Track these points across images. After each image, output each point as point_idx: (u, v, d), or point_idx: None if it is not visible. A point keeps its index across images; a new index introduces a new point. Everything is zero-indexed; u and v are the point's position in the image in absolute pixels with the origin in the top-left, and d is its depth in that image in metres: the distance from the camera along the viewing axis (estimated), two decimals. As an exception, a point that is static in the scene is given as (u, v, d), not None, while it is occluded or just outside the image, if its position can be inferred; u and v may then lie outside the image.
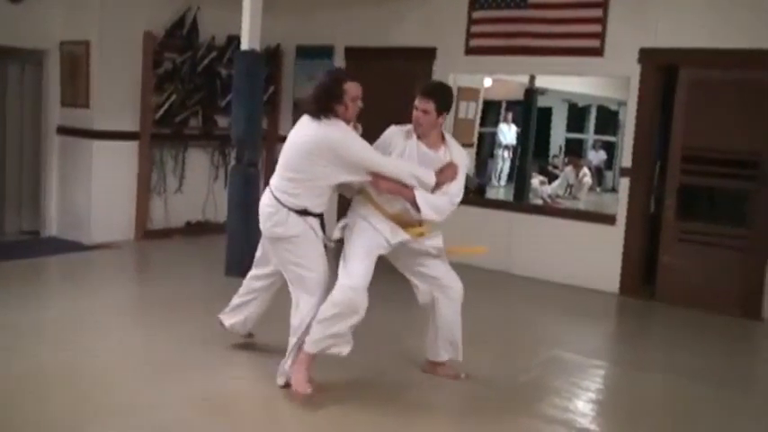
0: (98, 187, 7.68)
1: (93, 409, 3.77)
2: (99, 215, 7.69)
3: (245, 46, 6.58)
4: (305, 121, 4.02)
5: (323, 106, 3.95)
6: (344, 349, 4.05)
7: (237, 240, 6.66)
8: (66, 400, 3.85)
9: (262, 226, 4.14)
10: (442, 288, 4.33)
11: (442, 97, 4.22)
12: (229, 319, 4.65)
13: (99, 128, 7.63)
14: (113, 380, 4.17)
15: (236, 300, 4.63)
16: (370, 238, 4.09)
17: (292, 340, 4.08)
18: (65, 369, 4.27)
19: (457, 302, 4.37)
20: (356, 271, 3.99)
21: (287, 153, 4.03)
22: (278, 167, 4.09)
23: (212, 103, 8.42)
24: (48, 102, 7.91)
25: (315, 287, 4.04)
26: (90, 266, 7.01)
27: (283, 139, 4.10)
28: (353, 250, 4.08)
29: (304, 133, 3.97)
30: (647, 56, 6.83)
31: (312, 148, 3.91)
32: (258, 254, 4.48)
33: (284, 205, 4.01)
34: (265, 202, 4.11)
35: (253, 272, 4.55)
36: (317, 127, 3.93)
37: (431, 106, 4.14)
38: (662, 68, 6.89)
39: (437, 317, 4.38)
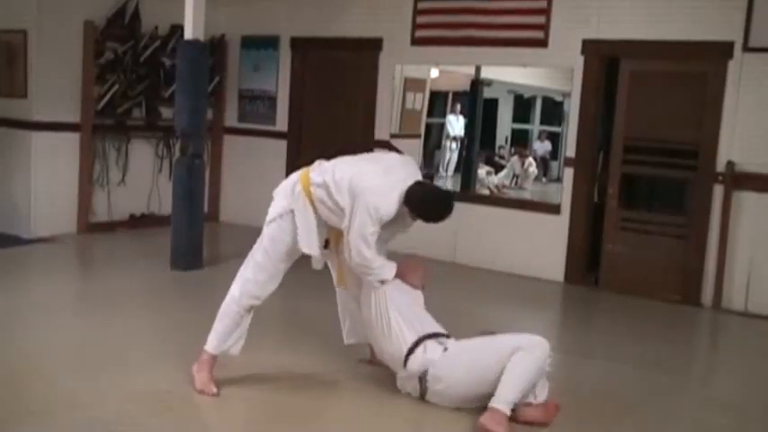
0: (38, 180, 7.50)
1: (32, 405, 3.69)
2: (40, 208, 7.51)
3: (188, 36, 6.48)
4: None
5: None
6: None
7: (182, 234, 6.58)
8: (4, 397, 3.76)
9: None
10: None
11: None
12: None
13: (38, 119, 7.44)
14: (54, 375, 4.09)
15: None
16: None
17: None
18: (3, 365, 4.18)
19: None
20: None
21: None
22: None
23: (156, 93, 8.27)
24: (-17, 92, 7.68)
25: None
26: (30, 260, 6.85)
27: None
28: None
29: None
30: (589, 47, 6.92)
31: None
32: None
33: None
34: None
35: None
36: None
37: None
38: (604, 60, 6.99)
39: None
